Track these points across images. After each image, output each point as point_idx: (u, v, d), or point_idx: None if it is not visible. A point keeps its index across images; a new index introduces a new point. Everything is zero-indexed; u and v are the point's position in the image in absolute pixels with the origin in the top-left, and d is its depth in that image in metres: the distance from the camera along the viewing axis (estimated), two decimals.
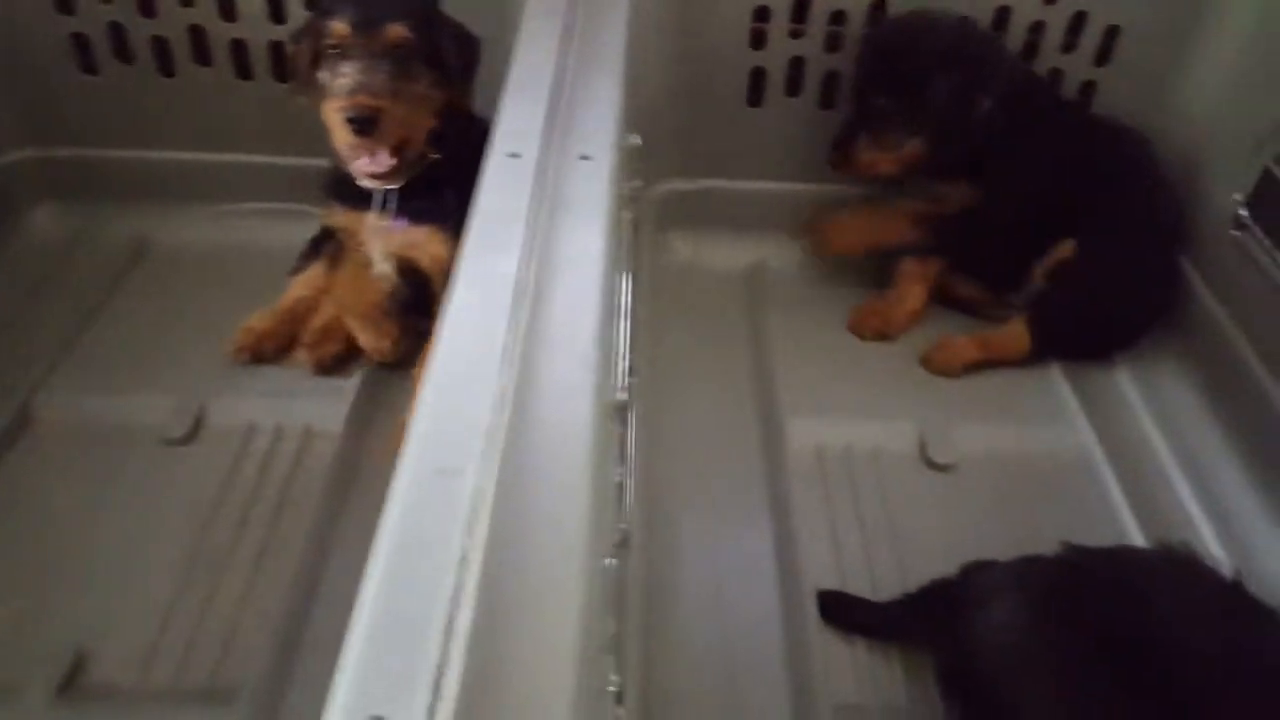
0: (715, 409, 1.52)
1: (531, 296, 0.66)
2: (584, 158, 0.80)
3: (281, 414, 1.44)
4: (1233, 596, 1.03)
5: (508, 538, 0.52)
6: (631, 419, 1.08)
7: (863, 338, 1.67)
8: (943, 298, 1.73)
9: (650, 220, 1.70)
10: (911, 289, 1.67)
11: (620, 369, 0.86)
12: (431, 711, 0.43)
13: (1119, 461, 1.50)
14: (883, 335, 1.66)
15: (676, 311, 1.68)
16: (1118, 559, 1.10)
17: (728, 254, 1.80)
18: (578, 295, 0.67)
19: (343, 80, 1.19)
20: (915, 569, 1.27)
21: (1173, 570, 1.07)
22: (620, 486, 0.90)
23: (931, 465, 1.48)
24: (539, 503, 0.55)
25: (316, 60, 1.24)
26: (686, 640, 1.20)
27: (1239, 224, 1.53)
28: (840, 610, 1.24)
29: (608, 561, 0.72)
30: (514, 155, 0.77)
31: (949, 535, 1.32)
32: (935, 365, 1.62)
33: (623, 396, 0.84)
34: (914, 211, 1.66)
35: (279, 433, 1.42)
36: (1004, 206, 1.60)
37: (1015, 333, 1.62)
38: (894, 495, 1.44)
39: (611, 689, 0.83)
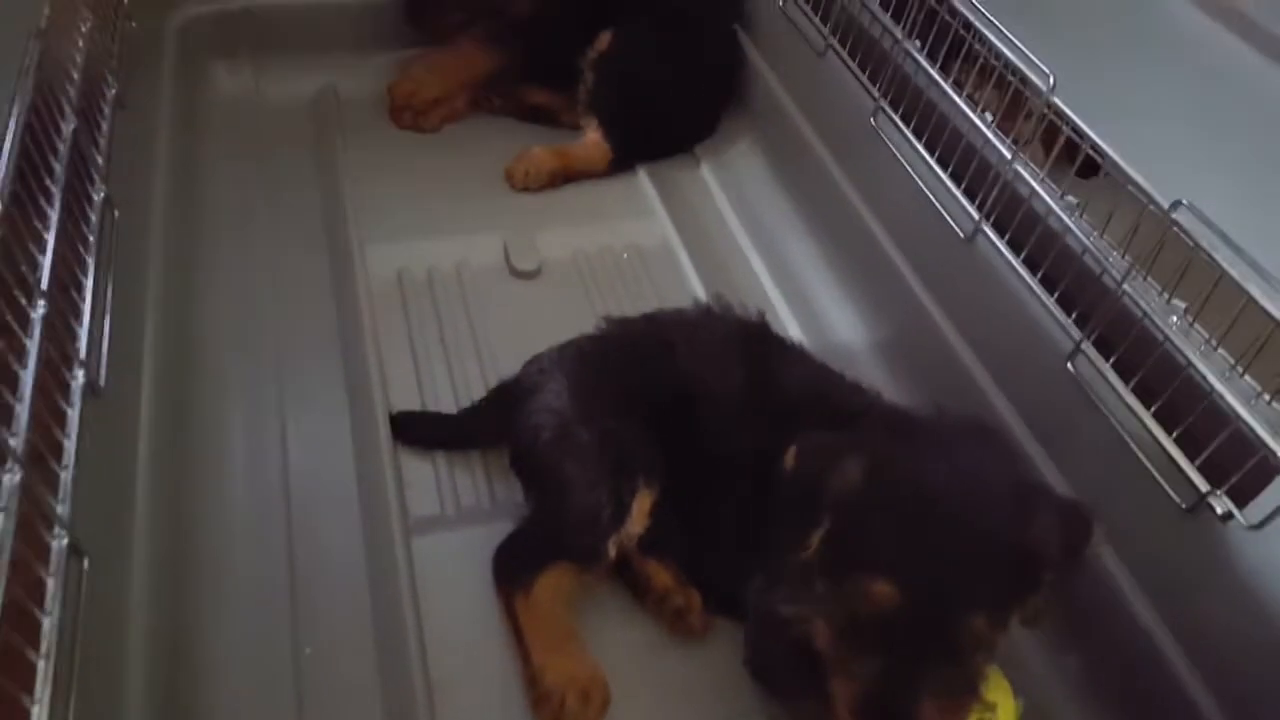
0: (278, 248, 1.39)
1: None
2: None
3: None
4: (756, 337, 1.07)
5: None
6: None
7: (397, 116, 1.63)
8: (520, 111, 1.68)
9: (175, 50, 1.49)
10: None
11: None
12: None
13: (699, 246, 1.53)
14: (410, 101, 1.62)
15: (231, 148, 1.51)
16: (653, 320, 1.10)
17: (290, 83, 1.63)
18: None
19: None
20: (502, 376, 1.23)
21: (703, 321, 1.09)
22: None
23: (516, 273, 1.45)
24: None
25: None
26: (240, 485, 1.10)
27: None
28: (414, 428, 1.18)
29: None
30: None
31: (535, 337, 1.28)
32: (517, 178, 1.57)
33: None
34: (479, 36, 1.61)
35: None
36: (550, 4, 1.57)
37: (593, 142, 1.60)
38: (479, 308, 1.39)
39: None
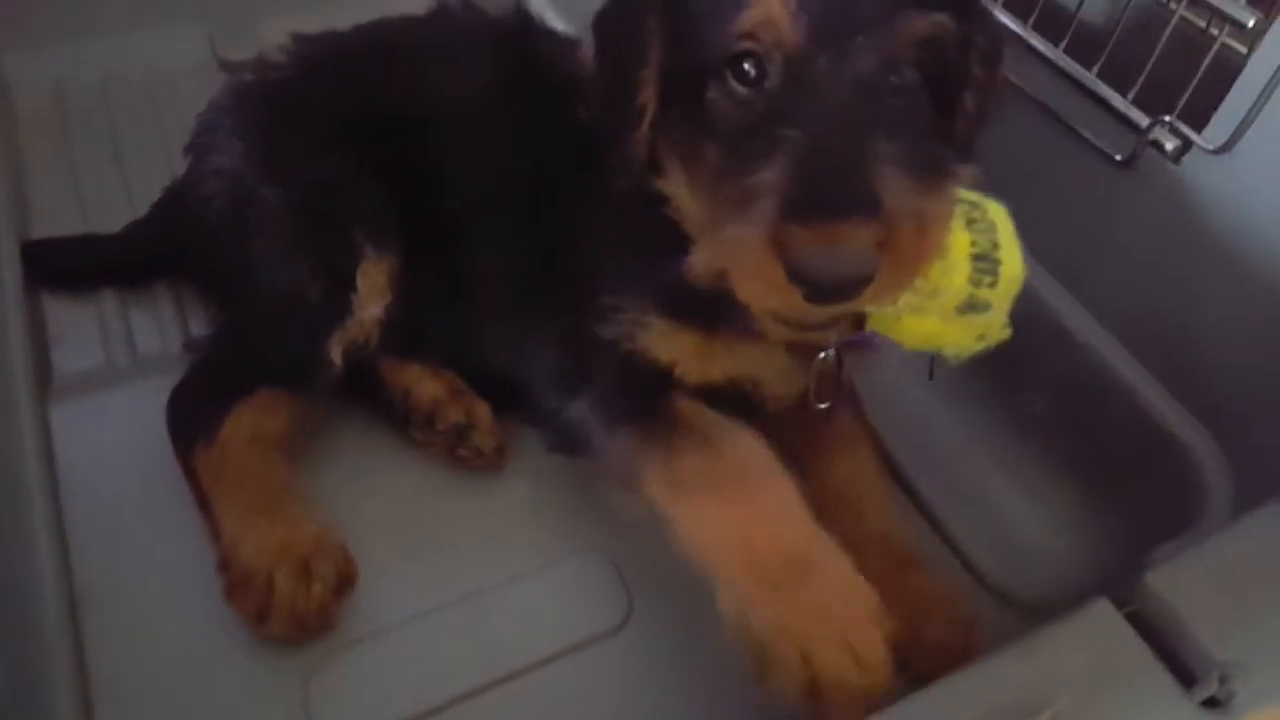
0: None
1: None
2: None
3: None
4: (513, 33, 0.74)
5: None
6: None
7: None
8: None
9: None
10: None
11: None
12: None
13: None
14: None
15: None
16: (366, 32, 0.76)
17: None
18: None
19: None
20: None
21: (438, 22, 0.75)
22: None
23: (228, 68, 1.09)
24: None
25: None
26: None
27: None
28: (62, 258, 0.83)
29: None
30: None
31: None
32: None
33: None
34: None
35: None
36: None
37: None
38: (177, 117, 1.02)
39: None
